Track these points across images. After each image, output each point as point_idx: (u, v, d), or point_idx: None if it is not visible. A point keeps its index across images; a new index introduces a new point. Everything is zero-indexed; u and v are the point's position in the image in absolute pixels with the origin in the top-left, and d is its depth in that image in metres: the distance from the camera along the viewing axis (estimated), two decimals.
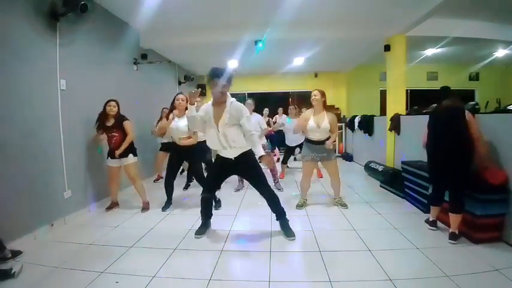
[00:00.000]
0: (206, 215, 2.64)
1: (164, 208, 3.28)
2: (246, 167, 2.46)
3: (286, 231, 2.52)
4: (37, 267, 2.03)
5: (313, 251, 2.23)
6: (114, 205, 3.39)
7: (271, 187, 2.61)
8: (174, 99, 3.24)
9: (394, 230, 2.60)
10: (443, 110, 2.49)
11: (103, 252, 2.27)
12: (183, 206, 3.47)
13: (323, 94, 3.07)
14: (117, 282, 1.84)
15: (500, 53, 6.31)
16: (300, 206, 3.26)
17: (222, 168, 2.52)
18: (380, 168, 4.46)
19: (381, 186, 4.15)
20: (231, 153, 2.40)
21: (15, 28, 2.46)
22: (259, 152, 2.30)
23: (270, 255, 2.17)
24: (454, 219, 2.30)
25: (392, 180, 3.89)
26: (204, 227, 2.62)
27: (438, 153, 2.45)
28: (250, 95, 8.34)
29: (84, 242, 2.45)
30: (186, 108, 3.16)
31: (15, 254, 2.15)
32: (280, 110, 6.17)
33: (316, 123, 3.03)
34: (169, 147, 3.63)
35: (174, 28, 4.48)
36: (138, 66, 4.58)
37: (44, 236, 2.56)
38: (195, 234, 2.55)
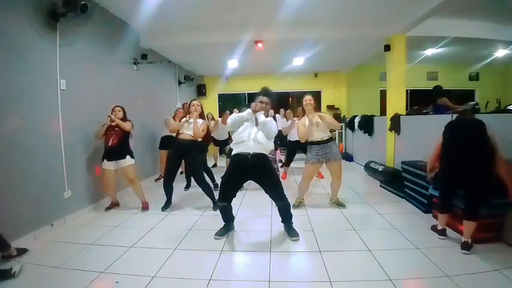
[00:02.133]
0: (227, 219, 2.63)
1: (164, 208, 3.28)
2: (263, 171, 2.39)
3: (290, 232, 2.52)
4: (37, 267, 2.03)
5: (313, 251, 2.23)
6: (114, 205, 3.39)
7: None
8: (189, 105, 3.35)
9: (394, 230, 2.60)
10: (462, 123, 2.37)
11: (103, 252, 2.27)
12: (183, 206, 3.47)
13: (315, 100, 3.19)
14: (117, 282, 1.84)
15: (500, 53, 6.30)
16: (296, 206, 3.26)
17: (238, 172, 2.41)
18: (380, 168, 4.45)
19: (380, 186, 4.15)
20: (251, 148, 2.35)
21: (15, 28, 2.47)
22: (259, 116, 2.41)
23: (270, 255, 2.17)
24: (469, 226, 2.15)
25: (392, 180, 3.89)
26: (225, 229, 2.61)
27: (457, 157, 2.25)
28: (250, 95, 8.34)
29: (84, 242, 2.45)
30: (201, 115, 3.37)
31: (21, 252, 2.16)
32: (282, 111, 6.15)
33: (314, 123, 3.04)
34: (169, 142, 3.63)
35: (174, 28, 4.48)
36: (138, 66, 4.58)
37: (44, 236, 2.56)
38: (215, 235, 2.53)
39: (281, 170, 4.90)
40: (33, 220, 2.54)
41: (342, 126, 7.28)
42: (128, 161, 3.20)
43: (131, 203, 3.51)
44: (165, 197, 3.35)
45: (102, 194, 3.51)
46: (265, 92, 2.58)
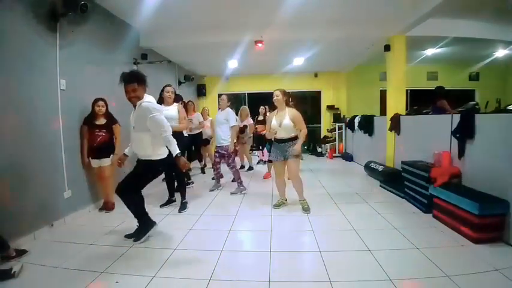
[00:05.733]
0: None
1: (163, 205, 3.28)
2: (137, 166, 2.44)
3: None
4: (37, 267, 2.03)
5: (313, 251, 2.23)
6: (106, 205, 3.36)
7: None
8: (162, 91, 3.29)
9: (394, 230, 2.59)
10: None
11: (103, 252, 2.27)
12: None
13: (284, 93, 3.09)
14: (117, 282, 1.84)
15: (500, 53, 6.30)
16: (277, 206, 3.27)
17: None
18: (380, 168, 4.46)
19: (380, 186, 4.15)
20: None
21: (16, 28, 2.46)
22: (174, 150, 2.28)
23: (270, 255, 2.17)
24: None
25: (392, 180, 3.89)
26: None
27: None
28: (250, 95, 8.35)
29: (84, 242, 2.45)
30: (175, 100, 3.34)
31: (21, 253, 2.16)
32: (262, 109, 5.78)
33: (278, 121, 3.05)
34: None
35: (174, 28, 4.48)
36: (138, 66, 4.57)
37: (44, 236, 2.56)
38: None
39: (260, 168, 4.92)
40: (33, 220, 2.54)
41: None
42: (111, 159, 3.21)
43: None
44: (167, 196, 3.37)
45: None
46: (121, 78, 2.26)
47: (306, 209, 3.10)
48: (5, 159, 2.31)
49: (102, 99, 3.16)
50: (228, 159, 3.89)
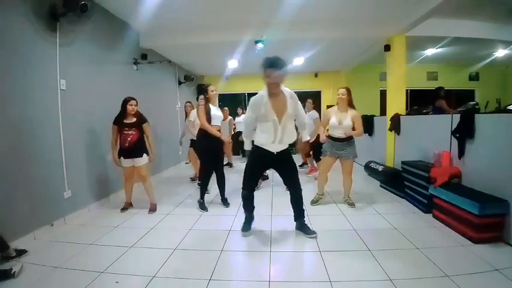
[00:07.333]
0: (249, 208, 2.61)
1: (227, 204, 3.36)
2: (286, 161, 2.43)
3: (306, 230, 2.53)
4: (37, 267, 2.03)
5: (313, 251, 2.23)
6: (128, 206, 3.34)
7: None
8: (206, 91, 3.42)
9: (394, 230, 2.60)
10: None
11: (103, 252, 2.27)
12: (183, 206, 3.47)
13: (349, 93, 3.13)
14: (117, 282, 1.84)
15: (500, 53, 6.30)
16: (314, 202, 3.33)
17: (262, 163, 2.48)
18: (380, 168, 4.45)
19: (380, 186, 4.15)
20: (275, 148, 2.34)
21: (15, 28, 2.46)
22: (306, 136, 2.52)
23: (270, 255, 2.17)
24: None
25: (393, 180, 3.89)
26: (250, 221, 2.62)
27: None
28: (251, 95, 8.34)
29: (84, 242, 2.45)
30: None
31: (20, 253, 2.16)
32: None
33: (338, 120, 3.08)
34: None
35: (174, 28, 4.48)
36: (138, 66, 4.58)
37: (44, 236, 2.56)
38: (243, 230, 2.55)
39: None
40: (33, 220, 2.54)
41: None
42: (144, 159, 3.18)
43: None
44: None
45: (103, 194, 3.52)
46: (273, 62, 2.13)
47: (351, 204, 3.25)
48: (5, 159, 2.31)
49: (134, 98, 3.13)
50: None
